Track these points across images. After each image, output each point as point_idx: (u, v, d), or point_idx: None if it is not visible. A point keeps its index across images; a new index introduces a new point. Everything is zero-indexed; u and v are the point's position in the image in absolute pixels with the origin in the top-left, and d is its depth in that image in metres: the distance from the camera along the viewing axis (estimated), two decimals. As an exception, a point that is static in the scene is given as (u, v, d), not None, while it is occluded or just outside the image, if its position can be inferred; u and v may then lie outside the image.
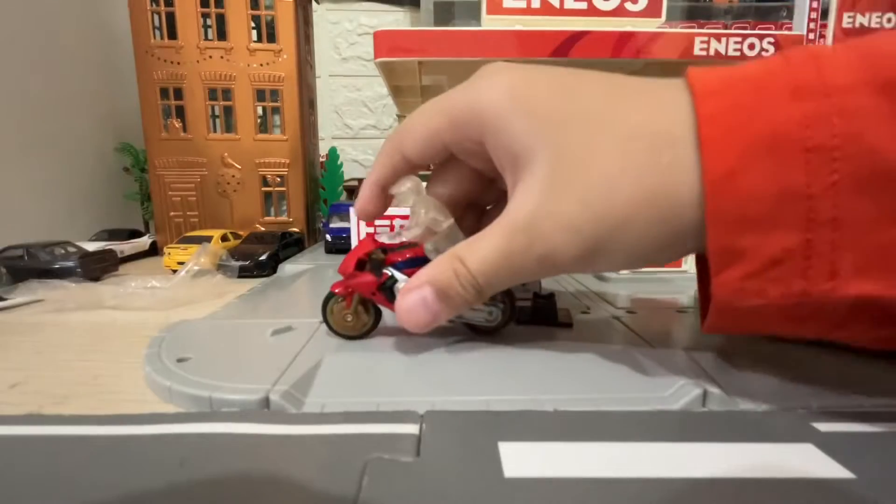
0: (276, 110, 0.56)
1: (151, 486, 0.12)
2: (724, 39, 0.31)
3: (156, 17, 0.52)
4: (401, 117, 0.69)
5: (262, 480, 0.13)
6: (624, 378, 0.19)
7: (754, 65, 0.15)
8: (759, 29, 0.73)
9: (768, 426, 0.15)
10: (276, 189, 0.57)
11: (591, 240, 0.16)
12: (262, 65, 0.54)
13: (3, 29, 0.49)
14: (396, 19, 0.91)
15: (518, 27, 0.32)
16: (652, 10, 0.33)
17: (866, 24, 0.46)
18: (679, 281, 0.35)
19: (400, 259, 0.22)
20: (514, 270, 0.18)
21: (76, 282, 0.36)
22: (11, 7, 0.50)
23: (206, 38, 0.53)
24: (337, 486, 0.12)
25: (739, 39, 0.31)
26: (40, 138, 0.54)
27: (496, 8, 0.33)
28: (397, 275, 0.22)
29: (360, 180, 0.85)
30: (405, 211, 0.22)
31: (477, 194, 0.23)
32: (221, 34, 0.53)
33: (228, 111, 0.55)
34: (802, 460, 0.13)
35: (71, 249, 0.40)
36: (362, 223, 0.40)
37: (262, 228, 0.56)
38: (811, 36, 0.51)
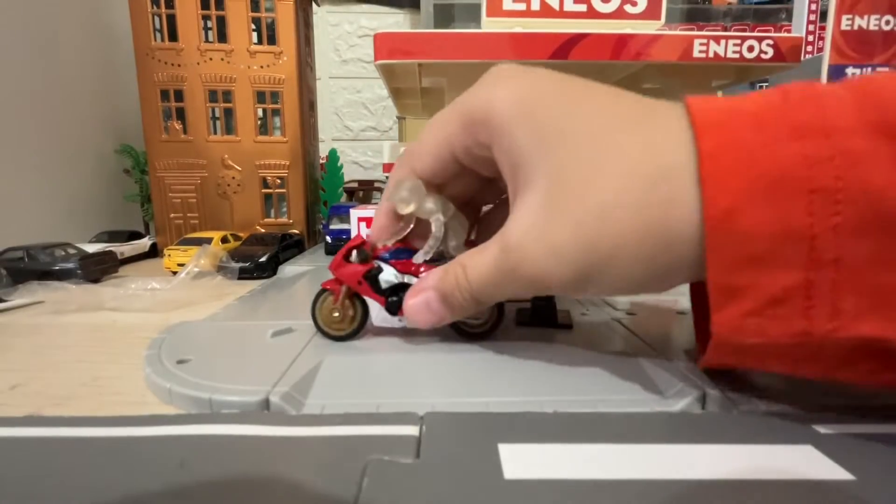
0: (276, 112, 0.56)
1: (151, 487, 0.12)
2: (722, 42, 0.31)
3: (156, 19, 0.52)
4: (401, 119, 0.69)
5: (262, 482, 0.13)
6: (623, 380, 0.19)
7: (753, 98, 0.15)
8: (759, 31, 0.73)
9: (768, 428, 0.15)
10: (277, 191, 0.57)
11: (580, 268, 0.16)
12: (262, 67, 0.54)
13: (4, 31, 0.50)
14: (396, 21, 0.91)
15: (518, 29, 0.32)
16: (651, 13, 0.33)
17: (865, 26, 0.46)
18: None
19: (385, 251, 0.23)
20: (505, 287, 0.18)
21: (76, 283, 0.36)
22: (12, 9, 0.51)
23: (207, 40, 0.53)
24: (337, 488, 0.12)
25: (738, 42, 0.31)
26: (41, 140, 0.54)
27: (496, 10, 0.33)
28: (383, 265, 0.22)
29: (361, 182, 0.86)
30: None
31: (477, 194, 0.23)
32: (222, 36, 0.53)
33: (229, 113, 0.55)
34: (802, 462, 0.13)
35: (71, 251, 0.40)
36: (363, 225, 0.40)
37: (263, 230, 0.56)
38: (810, 38, 0.51)
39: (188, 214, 0.55)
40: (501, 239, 0.18)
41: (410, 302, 0.21)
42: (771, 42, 0.31)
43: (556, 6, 0.33)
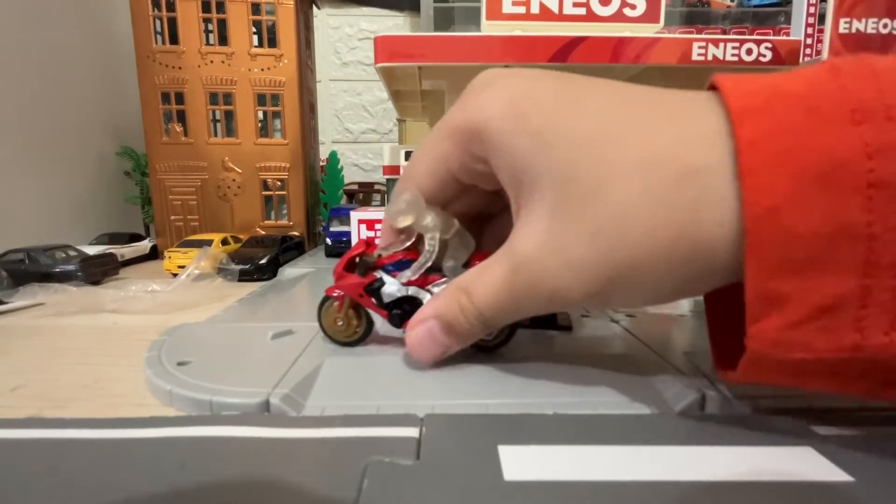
0: (276, 115, 0.56)
1: (152, 489, 0.12)
2: (721, 45, 0.31)
3: (157, 22, 0.52)
4: (401, 122, 0.69)
5: (262, 484, 0.13)
6: (623, 381, 0.19)
7: (797, 77, 0.13)
8: (757, 34, 0.73)
9: (767, 429, 0.15)
10: (277, 193, 0.57)
11: (601, 280, 0.15)
12: (262, 69, 0.54)
13: (5, 34, 0.50)
14: (396, 24, 0.91)
15: (517, 32, 0.33)
16: (650, 16, 0.33)
17: (863, 29, 0.46)
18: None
19: (389, 261, 0.22)
20: (520, 306, 0.17)
21: (77, 285, 0.36)
22: (13, 12, 0.51)
23: (208, 43, 0.53)
24: (337, 490, 0.12)
25: (737, 45, 0.31)
26: (41, 142, 0.55)
27: (495, 13, 0.33)
28: (385, 277, 0.21)
29: (361, 184, 0.86)
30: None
31: (481, 207, 0.22)
32: (223, 39, 0.54)
33: (229, 115, 0.55)
34: (801, 463, 0.13)
35: (71, 253, 0.40)
36: (363, 227, 0.40)
37: (263, 232, 0.56)
38: (808, 41, 0.51)
39: (188, 216, 0.56)
40: (509, 255, 0.17)
41: (412, 334, 0.19)
42: (769, 45, 0.31)
43: (555, 9, 0.33)
